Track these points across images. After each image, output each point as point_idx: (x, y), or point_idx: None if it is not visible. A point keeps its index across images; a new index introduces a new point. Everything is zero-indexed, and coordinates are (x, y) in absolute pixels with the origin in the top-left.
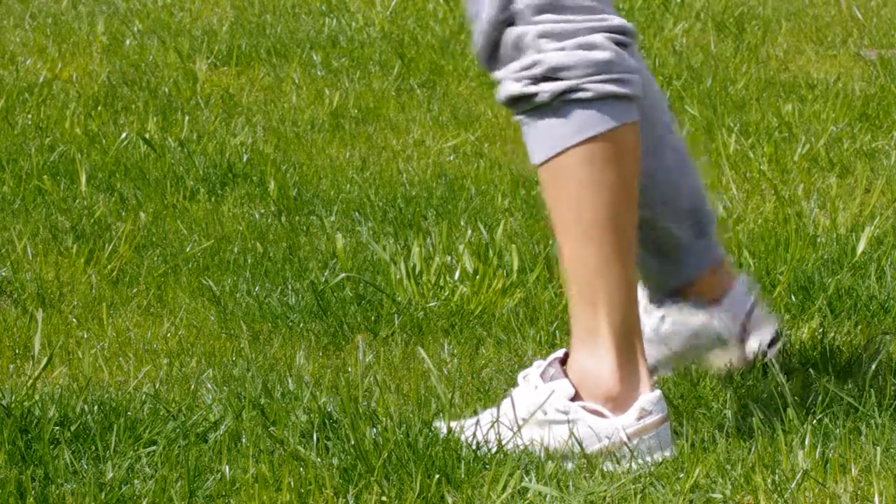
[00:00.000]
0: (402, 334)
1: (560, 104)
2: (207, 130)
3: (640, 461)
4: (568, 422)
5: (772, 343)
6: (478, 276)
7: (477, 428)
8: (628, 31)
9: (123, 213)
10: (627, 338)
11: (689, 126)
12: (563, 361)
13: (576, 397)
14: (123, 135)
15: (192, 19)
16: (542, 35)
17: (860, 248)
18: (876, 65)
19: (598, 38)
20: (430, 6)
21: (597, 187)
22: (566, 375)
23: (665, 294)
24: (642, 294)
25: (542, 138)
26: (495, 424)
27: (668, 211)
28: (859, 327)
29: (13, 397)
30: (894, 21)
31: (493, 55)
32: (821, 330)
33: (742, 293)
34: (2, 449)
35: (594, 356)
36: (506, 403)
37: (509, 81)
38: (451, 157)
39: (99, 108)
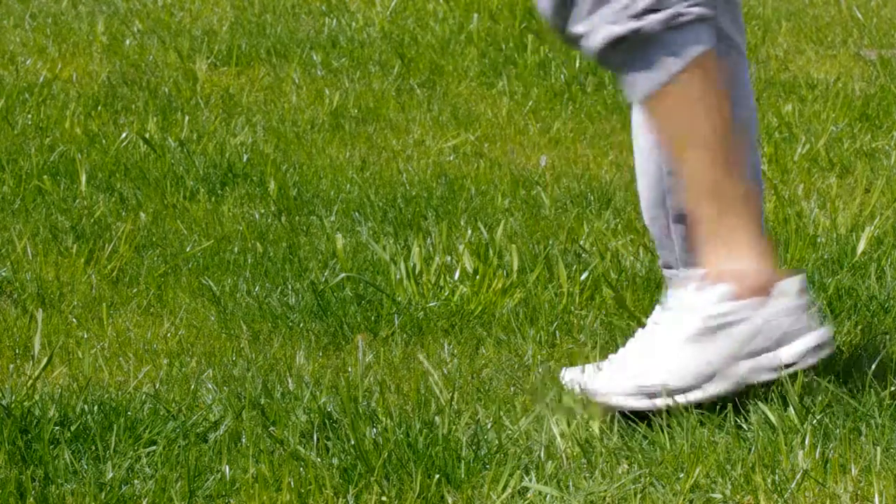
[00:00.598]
0: (402, 334)
1: (666, 32)
2: (207, 130)
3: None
4: (742, 320)
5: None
6: (478, 276)
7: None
8: None
9: (123, 213)
10: (757, 235)
11: None
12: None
13: (737, 296)
14: (123, 135)
15: (192, 19)
16: None
17: (860, 248)
18: (876, 65)
19: None
20: (430, 6)
21: (711, 101)
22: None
23: None
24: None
25: (651, 69)
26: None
27: None
28: (859, 327)
29: (13, 397)
30: (894, 21)
31: (564, 9)
32: None
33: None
34: (2, 449)
35: (734, 258)
36: (661, 330)
37: (606, 26)
38: (451, 157)
39: (99, 108)
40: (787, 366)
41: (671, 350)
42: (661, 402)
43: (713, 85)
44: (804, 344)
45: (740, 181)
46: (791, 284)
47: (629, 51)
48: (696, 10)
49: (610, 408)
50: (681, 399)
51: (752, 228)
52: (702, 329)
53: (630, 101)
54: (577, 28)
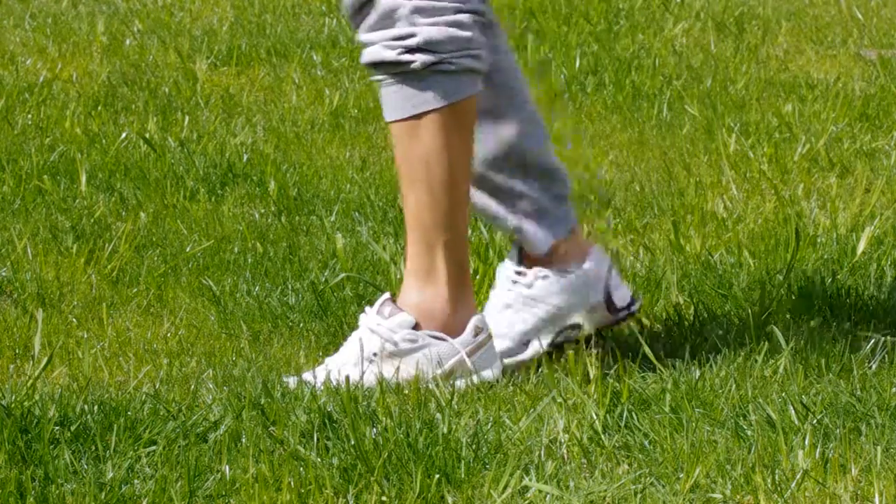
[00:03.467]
0: None
1: (428, 73)
2: (207, 130)
3: (472, 381)
4: (418, 349)
5: (632, 302)
6: (478, 276)
7: (328, 372)
8: (488, 12)
9: (123, 213)
10: (459, 273)
11: (689, 126)
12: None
13: (416, 327)
14: (123, 135)
15: (192, 19)
16: (416, 11)
17: (860, 248)
18: (876, 65)
19: (465, 17)
20: None
21: (447, 149)
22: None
23: (531, 261)
24: (508, 264)
25: (404, 99)
26: (347, 366)
27: (524, 175)
28: (859, 327)
29: (13, 397)
30: (894, 21)
31: (360, 15)
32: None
33: (600, 256)
34: (2, 449)
35: (432, 290)
36: (352, 344)
37: (380, 48)
38: None
39: (99, 108)
40: None
41: None
42: None
43: (461, 132)
44: None
45: (456, 230)
46: (481, 321)
47: (390, 75)
48: (466, 62)
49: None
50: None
51: (457, 267)
52: (387, 350)
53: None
54: (362, 37)
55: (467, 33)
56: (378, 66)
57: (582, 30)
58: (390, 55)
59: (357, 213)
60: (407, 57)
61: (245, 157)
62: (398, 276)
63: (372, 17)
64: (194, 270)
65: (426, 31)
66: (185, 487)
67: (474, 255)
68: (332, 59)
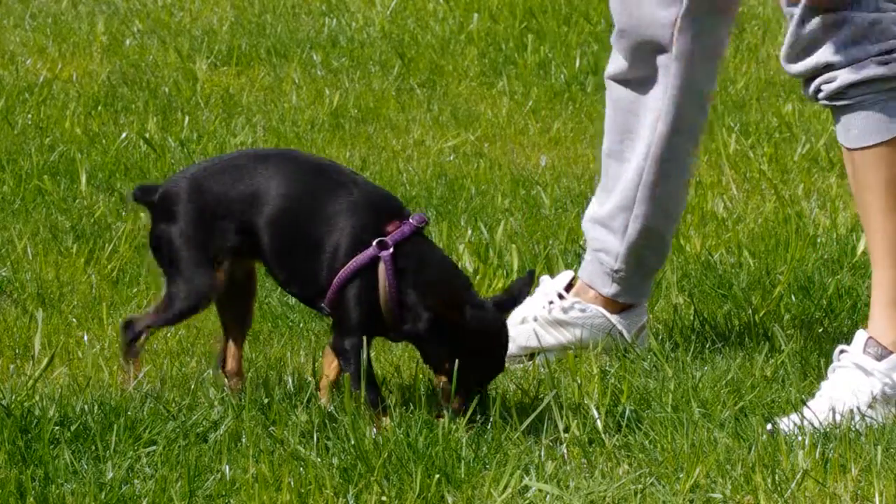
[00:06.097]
0: None
1: None
2: (207, 130)
3: None
4: None
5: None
6: (478, 276)
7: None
8: None
9: (123, 213)
10: None
11: None
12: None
13: None
14: (123, 135)
15: (192, 19)
16: None
17: (860, 248)
18: None
19: None
20: (430, 6)
21: None
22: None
23: (575, 291)
24: (553, 283)
25: (889, 118)
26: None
27: (665, 222)
28: (859, 327)
29: (13, 397)
30: None
31: (823, 36)
32: (820, 330)
33: (639, 313)
34: (2, 449)
35: None
36: (840, 388)
37: (871, 63)
38: (451, 157)
39: (99, 108)
40: None
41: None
42: None
43: None
44: None
45: None
46: None
47: (875, 93)
48: None
49: None
50: None
51: None
52: (881, 395)
53: (843, 144)
54: (832, 57)
55: None
56: (863, 84)
57: (582, 30)
58: (883, 70)
59: None
60: None
61: None
62: None
63: (844, 35)
64: None
65: None
66: (185, 487)
67: (474, 255)
68: (332, 59)
